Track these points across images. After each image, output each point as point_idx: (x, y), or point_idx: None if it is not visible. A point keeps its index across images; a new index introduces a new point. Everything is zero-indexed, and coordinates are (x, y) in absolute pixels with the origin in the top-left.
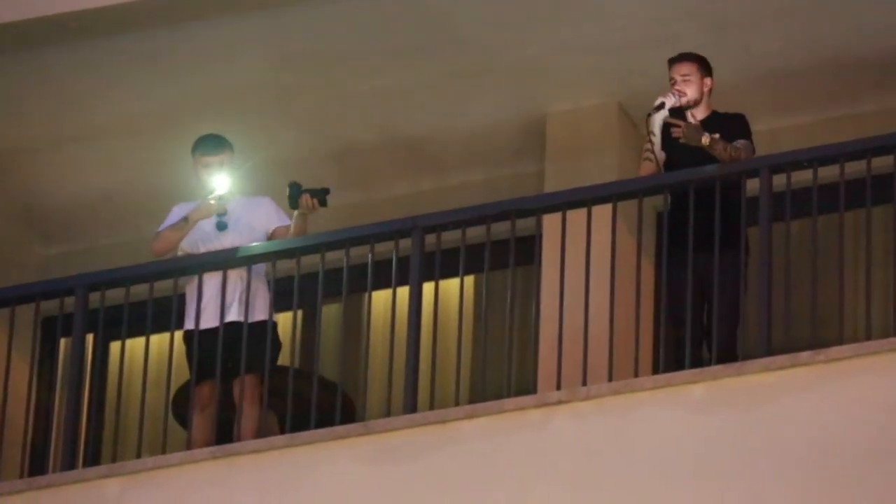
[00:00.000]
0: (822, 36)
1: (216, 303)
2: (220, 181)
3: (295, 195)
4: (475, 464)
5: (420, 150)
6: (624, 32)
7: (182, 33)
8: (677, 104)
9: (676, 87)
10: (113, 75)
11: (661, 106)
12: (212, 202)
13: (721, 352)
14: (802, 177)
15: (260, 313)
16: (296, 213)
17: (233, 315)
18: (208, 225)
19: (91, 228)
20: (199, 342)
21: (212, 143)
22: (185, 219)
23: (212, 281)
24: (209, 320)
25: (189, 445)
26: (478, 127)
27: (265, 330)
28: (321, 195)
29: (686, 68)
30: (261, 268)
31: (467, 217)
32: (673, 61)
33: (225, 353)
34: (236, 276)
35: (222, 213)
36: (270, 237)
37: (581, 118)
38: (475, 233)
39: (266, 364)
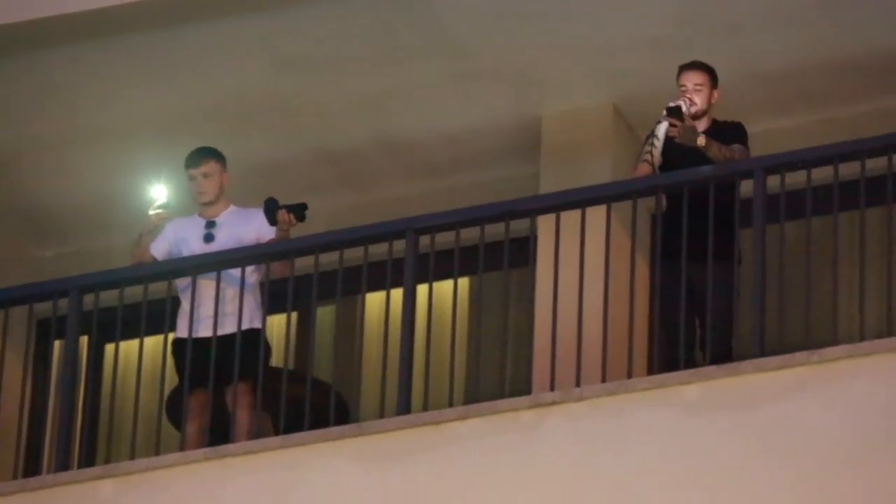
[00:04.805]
0: (816, 38)
1: (202, 314)
2: (158, 192)
3: (272, 211)
4: (469, 465)
5: (414, 152)
6: (619, 35)
7: (180, 36)
8: (688, 112)
9: (687, 95)
10: (110, 78)
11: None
12: (151, 214)
13: (715, 357)
14: (796, 178)
15: (249, 322)
16: (275, 228)
17: (224, 327)
18: (195, 237)
19: (86, 230)
20: (188, 352)
21: (192, 157)
22: (140, 235)
23: (202, 292)
24: (200, 331)
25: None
26: (473, 129)
27: (256, 337)
28: (298, 210)
29: (700, 77)
30: (247, 279)
31: (462, 219)
32: (685, 68)
33: (216, 362)
34: (227, 289)
35: (212, 226)
36: None
37: (576, 120)
38: (469, 234)
39: (259, 369)
